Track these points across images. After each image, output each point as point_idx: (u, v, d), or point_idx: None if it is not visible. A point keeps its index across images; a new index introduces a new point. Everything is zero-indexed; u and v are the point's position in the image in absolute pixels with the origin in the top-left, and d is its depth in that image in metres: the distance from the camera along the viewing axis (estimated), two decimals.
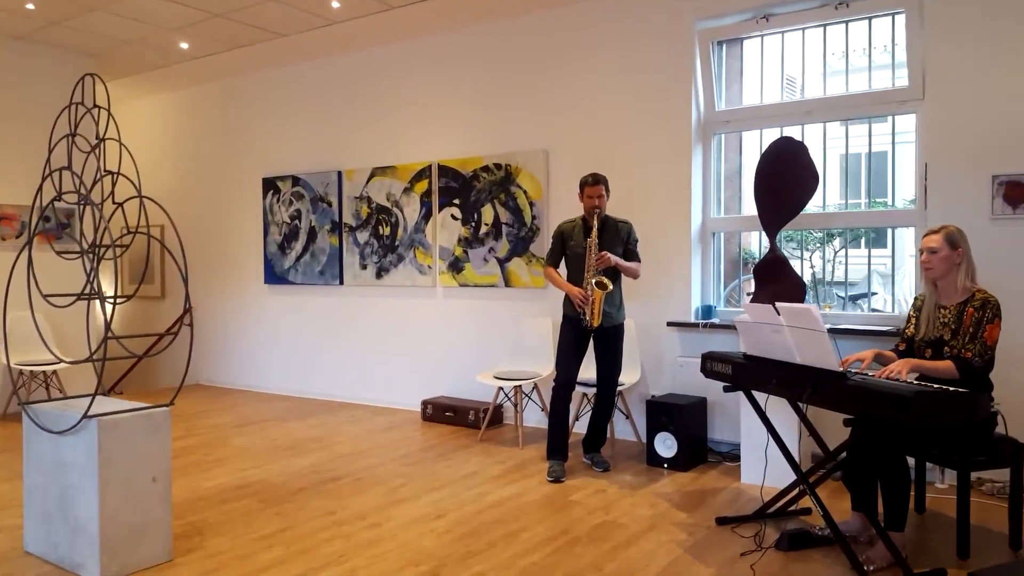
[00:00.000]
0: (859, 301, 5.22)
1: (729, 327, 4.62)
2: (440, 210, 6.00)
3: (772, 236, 4.16)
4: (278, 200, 6.99)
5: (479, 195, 5.78)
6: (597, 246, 4.16)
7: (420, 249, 6.12)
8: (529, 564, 3.09)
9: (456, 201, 5.91)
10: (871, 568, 2.90)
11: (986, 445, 3.04)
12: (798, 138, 4.41)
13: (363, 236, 6.45)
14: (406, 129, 6.24)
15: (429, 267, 6.08)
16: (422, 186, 6.09)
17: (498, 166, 5.67)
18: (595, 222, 4.18)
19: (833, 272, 4.93)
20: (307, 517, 3.68)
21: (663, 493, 3.99)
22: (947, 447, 3.04)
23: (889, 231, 4.76)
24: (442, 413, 5.70)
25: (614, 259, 4.17)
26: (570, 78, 5.36)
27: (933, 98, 4.12)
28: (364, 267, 6.45)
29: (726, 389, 3.53)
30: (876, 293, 5.38)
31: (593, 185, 4.22)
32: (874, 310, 4.89)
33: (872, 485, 3.20)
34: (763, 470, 3.95)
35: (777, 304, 3.06)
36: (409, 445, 5.11)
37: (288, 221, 6.92)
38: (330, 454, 4.87)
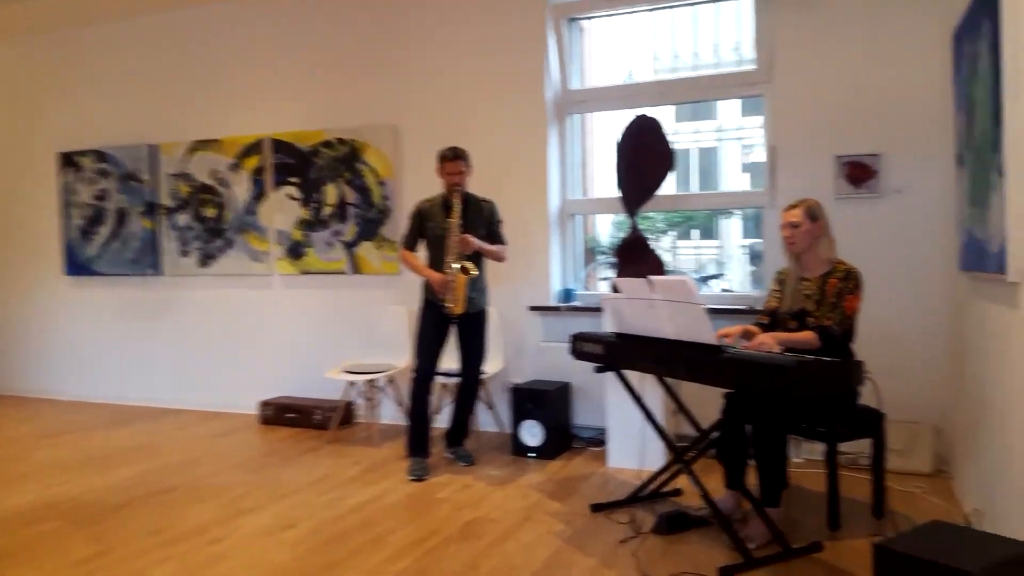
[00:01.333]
0: (709, 282, 5.34)
1: (591, 310, 4.52)
2: (275, 189, 5.45)
3: (633, 215, 4.09)
4: (79, 178, 6.07)
5: (320, 173, 5.30)
6: (460, 227, 3.87)
7: (253, 233, 5.53)
8: (401, 569, 2.77)
9: (294, 179, 5.38)
10: (751, 546, 2.86)
11: (851, 416, 3.10)
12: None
13: (183, 219, 5.74)
14: (233, 98, 5.61)
15: (265, 253, 5.51)
16: (253, 162, 5.50)
17: (342, 141, 5.22)
18: (456, 201, 3.89)
19: (672, 262, 4.99)
20: (130, 537, 3.12)
21: (533, 484, 3.80)
22: (815, 419, 3.07)
23: (718, 221, 4.89)
24: (284, 415, 5.18)
25: (476, 243, 3.91)
26: (422, 49, 5.03)
27: (780, 81, 4.22)
28: (185, 254, 5.74)
29: (598, 370, 3.40)
30: (724, 275, 5.53)
31: (453, 160, 3.92)
32: (725, 291, 5.00)
33: (745, 461, 3.18)
34: (635, 453, 3.89)
35: (652, 277, 2.94)
36: (248, 451, 4.57)
37: (92, 202, 6.03)
38: (156, 464, 4.23)
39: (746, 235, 8.65)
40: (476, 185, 4.11)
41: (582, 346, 3.46)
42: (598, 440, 4.41)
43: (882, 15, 3.97)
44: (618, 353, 3.24)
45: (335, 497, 3.64)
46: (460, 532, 3.16)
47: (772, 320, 3.28)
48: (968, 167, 2.96)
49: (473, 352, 4.08)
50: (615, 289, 3.94)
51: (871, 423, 3.16)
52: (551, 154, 4.77)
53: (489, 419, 4.77)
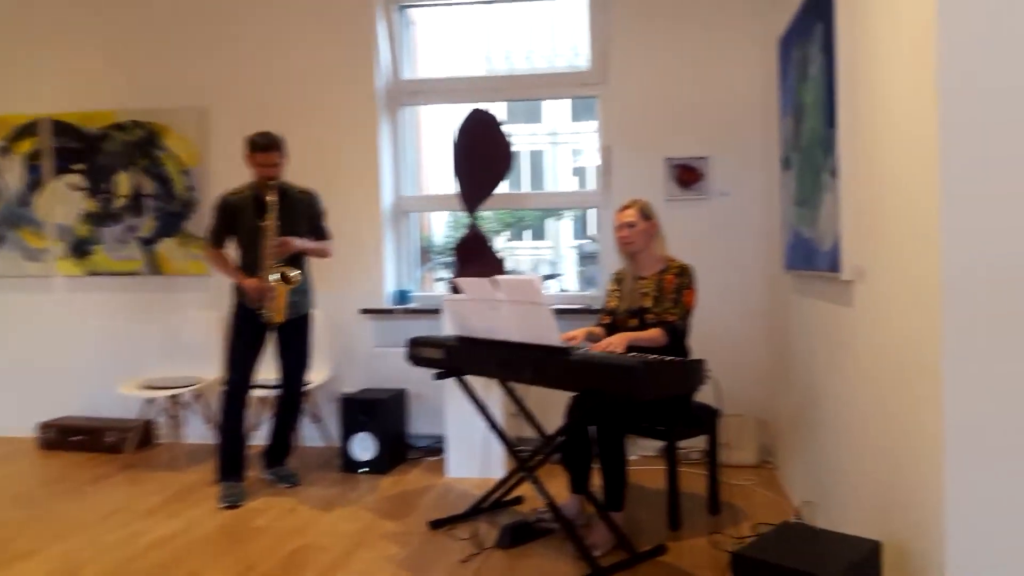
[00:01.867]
0: (547, 282, 5.28)
1: (428, 312, 4.27)
2: (55, 177, 4.68)
3: (472, 213, 3.90)
4: None
5: (111, 159, 4.61)
6: (277, 228, 3.46)
7: (27, 228, 4.72)
8: None
9: (78, 167, 4.65)
10: (597, 553, 2.75)
11: (688, 414, 3.11)
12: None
13: None
14: (2, 72, 4.76)
15: (43, 251, 4.71)
16: (26, 146, 4.69)
17: (138, 124, 4.57)
18: (271, 197, 3.45)
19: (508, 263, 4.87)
20: None
21: (365, 503, 3.48)
22: (655, 418, 3.04)
23: (547, 223, 4.87)
24: (69, 438, 4.44)
25: (298, 244, 3.52)
26: (238, 25, 4.52)
27: (614, 82, 4.23)
28: None
29: (438, 376, 3.16)
30: (563, 274, 5.50)
31: (265, 151, 3.42)
32: (563, 291, 4.95)
33: (590, 465, 3.09)
34: (476, 461, 3.70)
35: (496, 277, 2.76)
36: (22, 483, 3.85)
37: None
38: None
39: (576, 236, 8.82)
40: (302, 178, 3.72)
41: (420, 351, 3.21)
42: (436, 449, 4.17)
43: (711, 22, 4.08)
44: (460, 358, 3.03)
45: (130, 533, 3.11)
46: (283, 565, 2.79)
47: (612, 320, 3.22)
48: (795, 169, 3.06)
49: (295, 361, 3.69)
50: (455, 290, 3.74)
51: (707, 419, 3.19)
52: (383, 147, 4.46)
53: (315, 433, 4.37)
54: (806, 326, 3.07)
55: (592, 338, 3.06)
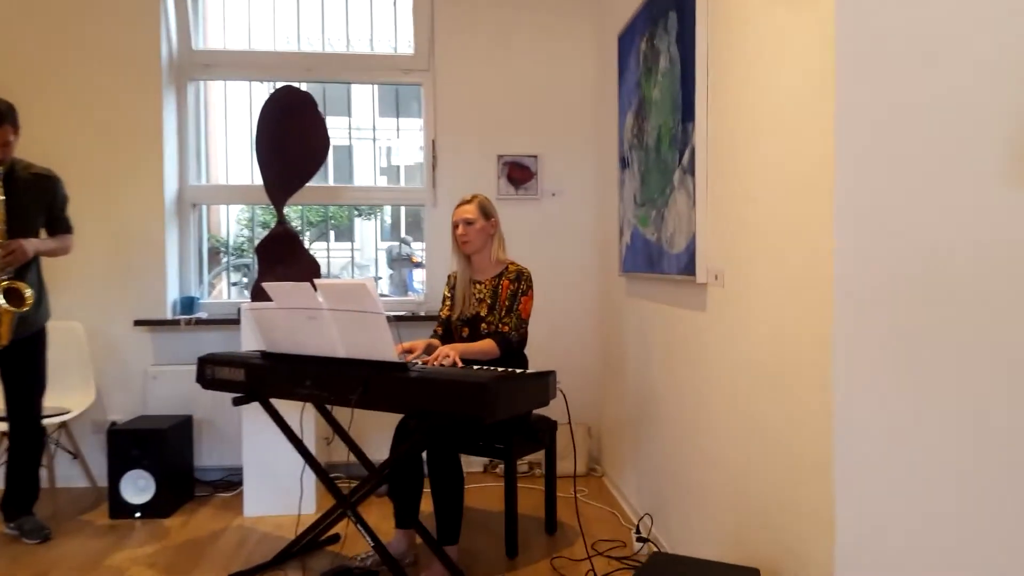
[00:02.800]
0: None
1: (221, 323, 3.66)
2: None
3: (280, 207, 3.37)
4: None
5: None
6: (5, 229, 2.74)
7: None
8: None
9: None
10: None
11: (527, 428, 2.85)
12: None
13: None
14: None
15: None
16: None
17: None
18: None
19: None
20: None
21: (143, 554, 2.83)
22: (493, 435, 2.74)
23: (354, 224, 4.48)
24: None
25: (32, 248, 2.81)
26: None
27: (442, 72, 3.90)
28: None
29: (237, 401, 2.62)
30: (381, 277, 5.07)
31: None
32: (381, 295, 4.52)
33: (420, 494, 2.72)
34: (280, 496, 3.19)
35: (319, 281, 2.31)
36: None
37: None
38: None
39: (384, 237, 8.35)
40: (65, 160, 2.99)
41: (214, 372, 2.65)
42: (230, 483, 3.57)
43: (543, 15, 3.89)
44: (266, 378, 2.52)
45: None
46: None
47: (446, 329, 2.89)
48: (636, 168, 2.91)
49: (25, 386, 2.94)
50: (256, 296, 3.20)
51: (546, 433, 2.95)
52: (167, 128, 3.78)
53: (74, 472, 3.58)
54: (645, 331, 2.93)
55: (430, 350, 2.70)
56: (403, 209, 6.09)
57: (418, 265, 7.82)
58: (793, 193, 1.72)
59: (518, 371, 2.29)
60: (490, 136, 3.89)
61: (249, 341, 3.20)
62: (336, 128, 3.88)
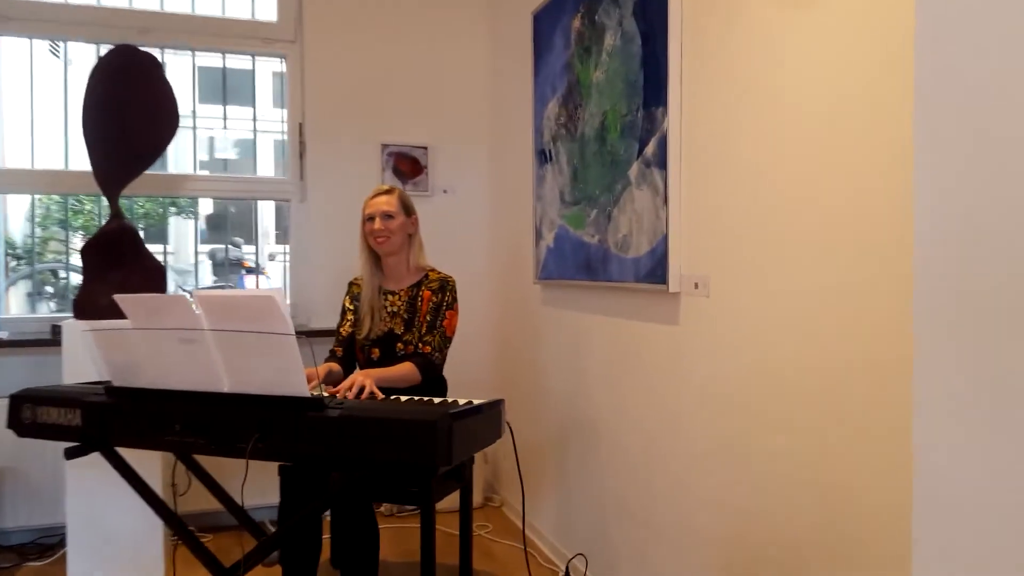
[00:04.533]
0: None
1: (23, 345, 2.87)
2: None
3: (115, 197, 2.66)
4: None
5: None
6: None
7: None
8: None
9: None
10: None
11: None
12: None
13: None
14: None
15: None
16: None
17: None
18: None
19: None
20: None
21: None
22: (403, 477, 2.28)
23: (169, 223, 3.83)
24: None
25: None
26: None
27: (311, 43, 3.35)
28: None
29: (73, 453, 1.95)
30: (229, 285, 4.35)
31: None
32: None
33: (317, 557, 2.20)
34: (116, 562, 2.52)
35: (199, 292, 1.74)
36: None
37: None
38: None
39: (204, 240, 7.44)
40: None
41: (36, 413, 1.96)
42: (47, 547, 2.80)
43: None
44: (115, 422, 1.88)
45: None
46: None
47: (347, 350, 2.38)
48: (566, 162, 2.57)
49: None
50: (82, 311, 2.49)
51: (463, 468, 2.52)
52: None
53: None
54: (577, 345, 2.60)
55: (332, 379, 2.18)
56: (231, 206, 5.32)
57: (251, 271, 6.98)
58: (813, 190, 1.46)
59: (461, 402, 1.86)
60: (372, 122, 3.39)
61: (75, 370, 2.48)
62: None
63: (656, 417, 2.08)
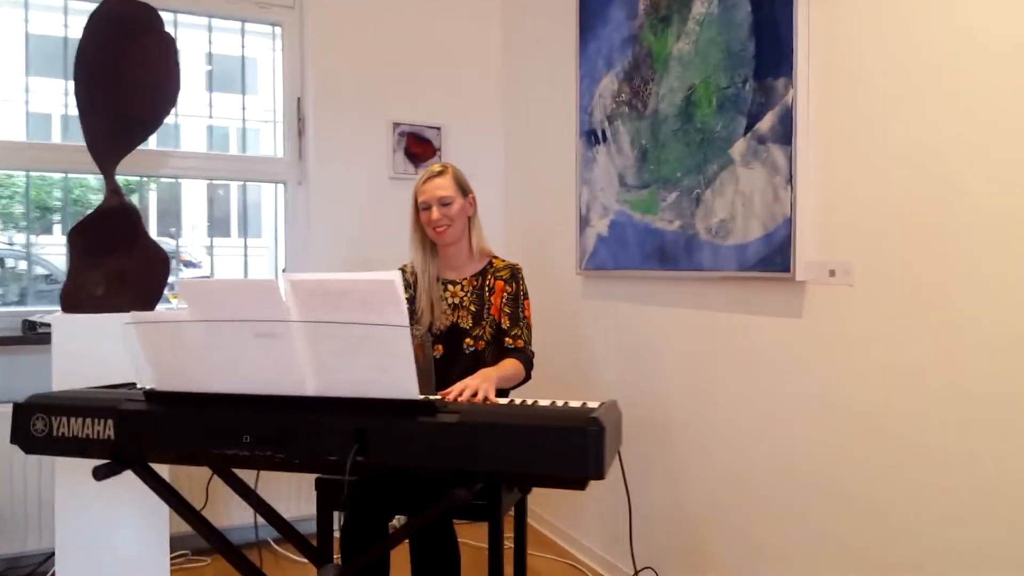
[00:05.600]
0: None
1: (18, 343, 2.45)
2: None
3: (111, 170, 2.27)
4: None
5: None
6: None
7: None
8: None
9: None
10: None
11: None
12: None
13: None
14: None
15: None
16: None
17: None
18: None
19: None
20: None
21: None
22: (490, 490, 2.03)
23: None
24: None
25: None
26: None
27: (312, 9, 3.02)
28: None
29: (104, 472, 1.61)
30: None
31: None
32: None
33: None
34: None
35: (292, 277, 1.44)
36: None
37: None
38: None
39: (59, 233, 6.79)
40: None
41: (53, 426, 1.61)
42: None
43: None
44: (157, 435, 1.55)
45: None
46: None
47: None
48: (629, 142, 2.37)
49: None
50: (71, 304, 2.12)
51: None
52: None
53: None
54: (638, 340, 2.40)
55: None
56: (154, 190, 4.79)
57: (189, 264, 6.46)
58: (984, 171, 1.32)
59: (575, 403, 1.63)
60: (381, 98, 3.10)
61: (68, 374, 2.09)
62: None
63: (763, 418, 1.91)
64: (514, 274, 2.10)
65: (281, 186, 3.17)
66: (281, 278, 1.44)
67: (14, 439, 1.64)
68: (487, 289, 2.08)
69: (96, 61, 2.24)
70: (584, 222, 2.64)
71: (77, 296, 2.18)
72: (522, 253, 3.20)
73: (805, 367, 1.78)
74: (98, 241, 2.21)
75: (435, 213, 2.02)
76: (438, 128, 3.16)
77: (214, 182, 3.38)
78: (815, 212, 1.75)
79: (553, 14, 2.84)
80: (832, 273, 1.70)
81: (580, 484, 1.39)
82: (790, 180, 1.77)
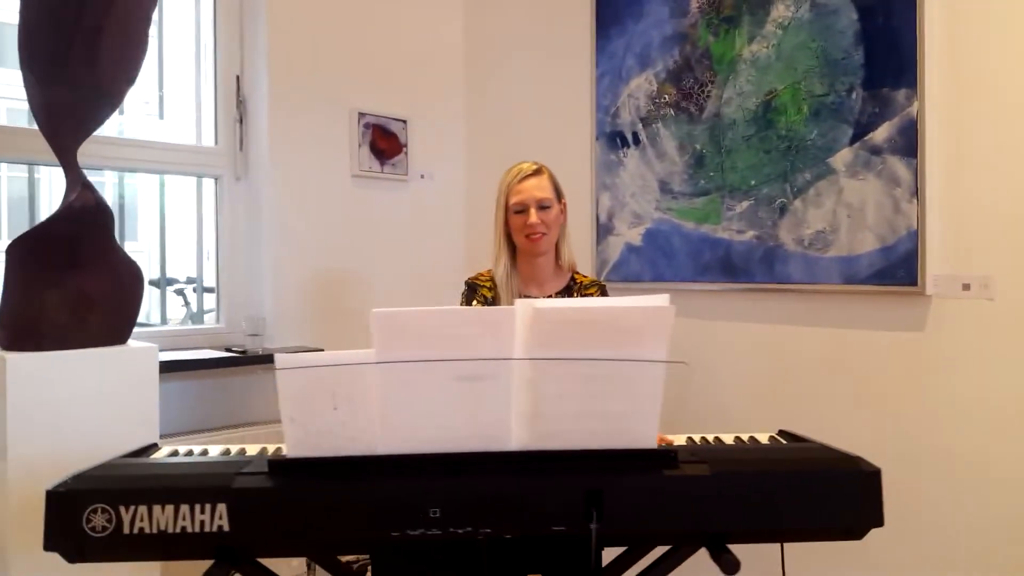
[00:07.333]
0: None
1: None
2: None
3: (70, 158, 1.66)
4: None
5: None
6: None
7: None
8: None
9: None
10: None
11: None
12: None
13: None
14: None
15: None
16: None
17: None
18: None
19: None
20: None
21: None
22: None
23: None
24: None
25: None
26: None
27: None
28: None
29: (214, 574, 1.13)
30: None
31: None
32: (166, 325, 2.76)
33: None
34: None
35: (533, 303, 1.12)
36: None
37: None
38: None
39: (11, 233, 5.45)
40: None
41: (122, 519, 1.11)
42: None
43: None
44: (299, 517, 1.13)
45: None
46: None
47: None
48: (679, 147, 2.24)
49: None
50: (20, 336, 1.54)
51: None
52: None
53: None
54: (708, 359, 2.27)
55: None
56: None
57: None
58: None
59: (758, 436, 1.46)
60: (341, 82, 2.67)
61: (26, 437, 1.49)
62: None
63: (900, 441, 1.87)
64: (604, 291, 1.87)
65: (211, 181, 2.61)
66: (519, 306, 1.10)
67: (54, 544, 1.11)
68: None
69: (48, 23, 1.63)
70: (604, 230, 2.45)
71: (28, 327, 1.58)
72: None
73: (929, 382, 1.77)
74: (58, 253, 1.62)
75: (533, 216, 1.73)
76: (404, 121, 2.79)
77: (123, 173, 2.71)
78: (945, 225, 1.74)
79: (538, 5, 2.63)
80: (967, 287, 1.70)
81: (859, 534, 1.23)
82: (916, 193, 1.75)
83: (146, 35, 1.79)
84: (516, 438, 1.17)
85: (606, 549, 1.32)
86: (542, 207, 1.75)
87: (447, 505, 1.13)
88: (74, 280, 1.62)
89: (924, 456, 1.78)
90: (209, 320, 2.63)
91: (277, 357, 1.11)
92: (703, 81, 2.17)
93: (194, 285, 2.72)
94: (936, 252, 1.75)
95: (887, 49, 1.80)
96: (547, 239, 1.76)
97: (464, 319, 1.13)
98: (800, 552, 1.29)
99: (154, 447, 1.41)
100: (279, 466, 1.15)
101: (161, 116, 2.53)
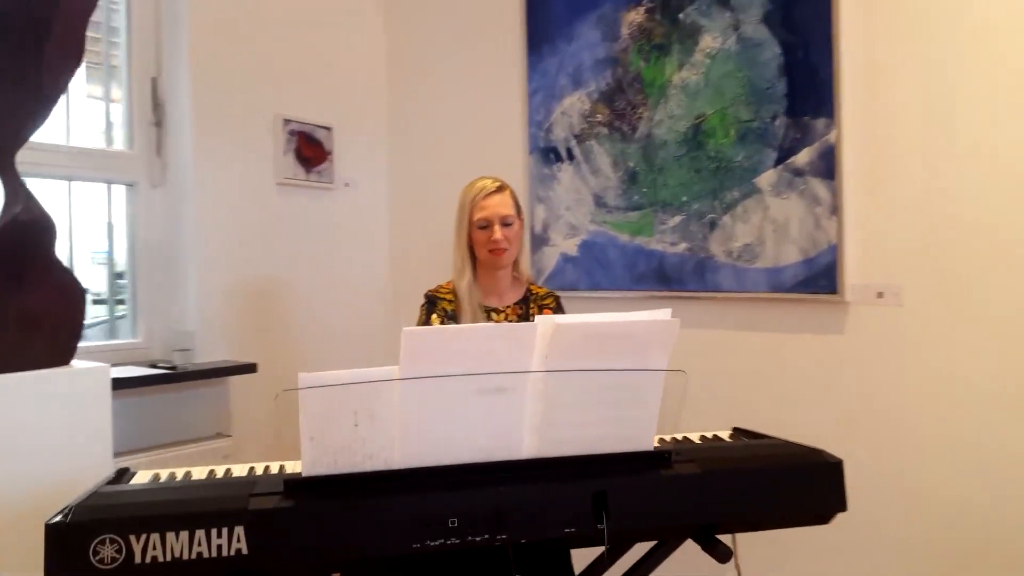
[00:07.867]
0: None
1: None
2: None
3: (7, 164, 1.52)
4: None
5: None
6: None
7: None
8: None
9: None
10: None
11: None
12: None
13: None
14: None
15: None
16: None
17: None
18: None
19: None
20: None
21: None
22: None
23: None
24: None
25: None
26: None
27: None
28: None
29: None
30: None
31: None
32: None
33: None
34: None
35: (555, 318, 1.17)
36: None
37: None
38: None
39: None
40: None
41: (133, 548, 1.06)
42: None
43: None
44: (318, 535, 1.12)
45: None
46: None
47: None
48: (613, 164, 2.36)
49: None
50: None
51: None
52: None
53: None
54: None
55: None
56: None
57: None
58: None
59: (721, 433, 1.59)
60: (266, 88, 2.59)
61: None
62: None
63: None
64: (558, 301, 1.95)
65: (122, 188, 2.46)
66: (540, 322, 1.16)
67: (54, 573, 1.04)
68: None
69: None
70: (540, 240, 2.54)
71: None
72: (418, 265, 2.96)
73: (848, 381, 1.98)
74: (1, 269, 1.49)
75: (498, 233, 1.78)
76: (329, 128, 2.75)
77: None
78: (861, 240, 1.95)
79: (465, 18, 2.69)
80: (880, 295, 1.92)
81: (824, 519, 1.37)
82: (835, 211, 1.96)
83: (85, 36, 1.68)
84: (527, 446, 1.23)
85: (583, 550, 1.40)
86: (505, 223, 1.80)
87: (465, 515, 1.17)
88: (17, 298, 1.50)
89: (841, 449, 1.98)
90: (123, 335, 2.47)
91: (301, 376, 1.10)
92: (635, 103, 2.31)
93: (104, 299, 2.54)
94: (853, 264, 1.97)
95: (807, 81, 2.00)
96: (509, 254, 1.82)
97: (488, 335, 1.17)
98: (757, 540, 1.41)
99: (128, 472, 1.34)
100: (295, 485, 1.14)
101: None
